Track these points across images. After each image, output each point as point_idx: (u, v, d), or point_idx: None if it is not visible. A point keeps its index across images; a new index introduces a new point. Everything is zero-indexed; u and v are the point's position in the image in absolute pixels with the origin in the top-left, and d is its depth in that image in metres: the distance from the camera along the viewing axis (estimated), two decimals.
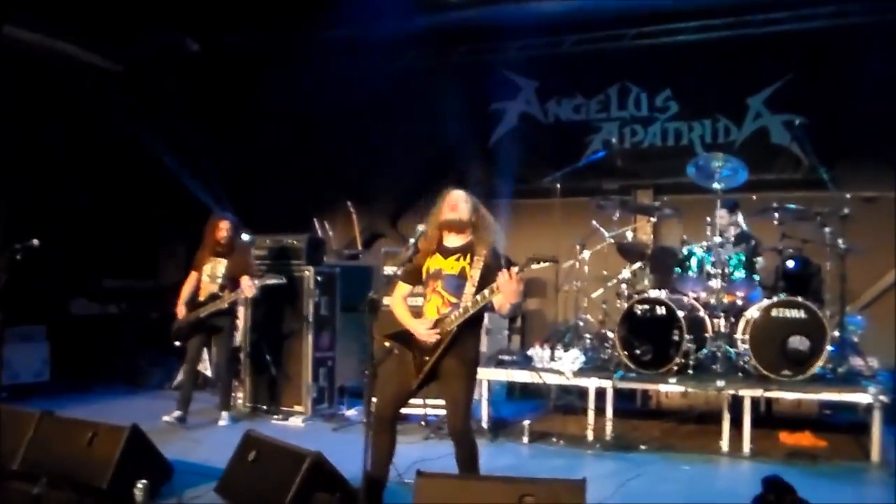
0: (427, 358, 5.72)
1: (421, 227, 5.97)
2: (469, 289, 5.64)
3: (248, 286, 8.78)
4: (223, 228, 9.16)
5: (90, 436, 6.19)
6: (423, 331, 5.71)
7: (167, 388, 11.31)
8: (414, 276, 5.99)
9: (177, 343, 8.93)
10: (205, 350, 11.20)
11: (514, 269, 5.37)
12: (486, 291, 5.55)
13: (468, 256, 5.75)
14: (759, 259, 9.08)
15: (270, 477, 5.49)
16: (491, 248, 5.79)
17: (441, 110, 12.39)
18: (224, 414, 9.29)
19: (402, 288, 6.05)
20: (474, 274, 5.68)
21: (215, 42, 12.78)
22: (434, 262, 5.85)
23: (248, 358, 10.13)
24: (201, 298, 8.99)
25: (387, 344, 5.95)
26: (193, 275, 9.26)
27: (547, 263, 5.54)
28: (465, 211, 5.83)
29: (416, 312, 5.94)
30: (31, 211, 10.49)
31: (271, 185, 13.58)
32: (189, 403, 9.06)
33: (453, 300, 5.69)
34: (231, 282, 8.92)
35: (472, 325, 5.74)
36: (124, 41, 12.19)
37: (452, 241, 5.89)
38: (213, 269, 9.09)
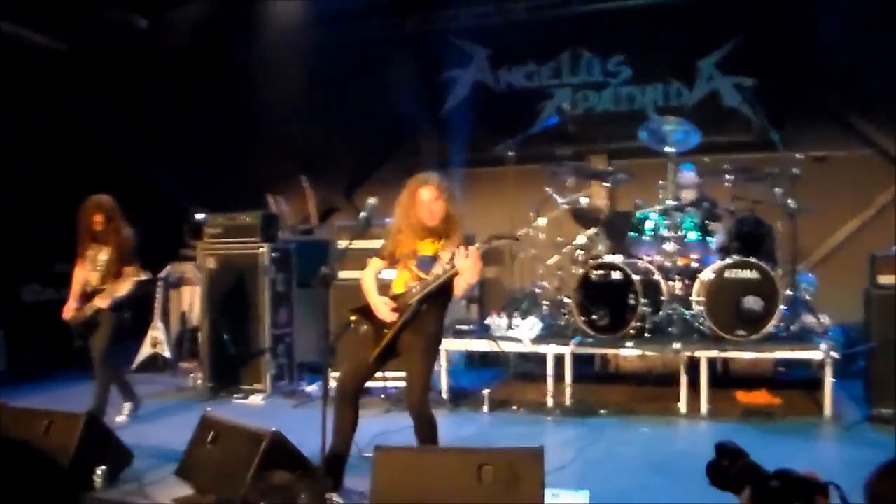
0: (385, 331, 5.76)
1: (372, 201, 5.98)
2: (438, 269, 5.70)
3: (123, 288, 7.81)
4: (95, 211, 8.04)
5: (46, 424, 6.13)
6: (382, 306, 5.76)
7: (125, 370, 11.22)
8: (388, 254, 6.01)
9: (79, 343, 8.00)
10: (162, 330, 11.20)
11: (475, 247, 5.46)
12: (446, 266, 5.61)
13: (443, 238, 5.81)
14: (717, 225, 9.14)
15: (230, 458, 5.47)
16: (464, 235, 5.87)
17: (393, 81, 12.37)
18: (126, 406, 8.53)
19: (376, 263, 6.08)
20: (444, 255, 5.74)
21: (163, 18, 12.63)
22: (410, 244, 5.88)
23: (206, 337, 10.05)
24: (88, 290, 8.02)
25: (352, 318, 5.95)
26: (79, 267, 8.18)
27: (506, 241, 5.85)
28: (441, 212, 5.80)
29: (386, 286, 5.99)
30: None
31: (224, 162, 13.48)
32: (131, 391, 8.54)
33: (422, 276, 5.75)
34: (115, 270, 7.93)
35: (435, 302, 5.78)
36: (71, 20, 12.00)
37: (430, 228, 5.89)
38: (95, 257, 8.08)
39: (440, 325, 5.97)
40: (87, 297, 7.94)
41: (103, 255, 7.97)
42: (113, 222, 8.01)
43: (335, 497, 5.39)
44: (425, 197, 5.79)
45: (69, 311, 7.98)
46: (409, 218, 5.87)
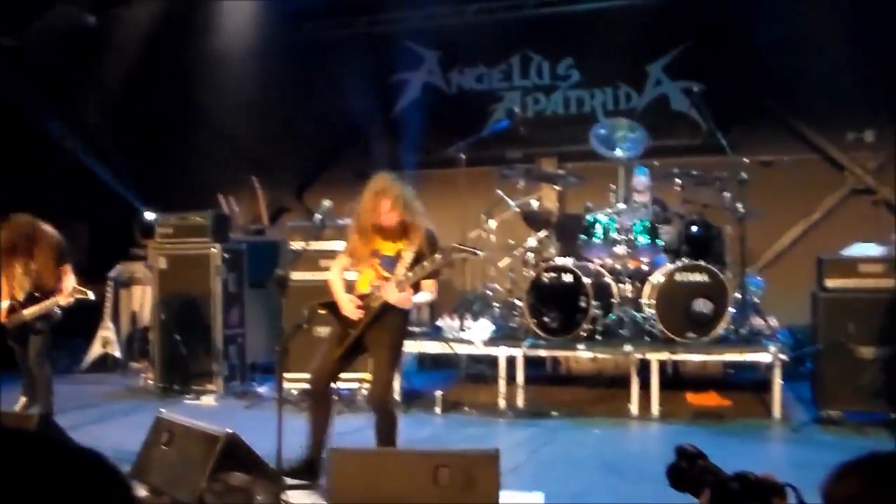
0: (351, 330, 5.94)
1: (327, 203, 6.18)
2: (400, 269, 5.86)
3: (64, 298, 7.54)
4: (7, 233, 7.69)
5: None
6: (348, 304, 5.96)
7: (76, 371, 11.13)
8: (355, 252, 6.13)
9: (12, 344, 7.79)
10: (112, 330, 11.10)
11: (402, 279, 5.78)
12: (374, 294, 5.89)
13: (405, 237, 5.95)
14: (668, 228, 9.24)
15: (185, 459, 5.45)
16: (426, 232, 5.97)
17: (343, 82, 12.34)
18: (22, 400, 8.13)
19: (342, 260, 6.26)
20: (406, 256, 5.89)
21: (113, 15, 12.49)
22: (371, 243, 6.01)
23: (157, 337, 9.97)
24: (19, 298, 7.71)
25: (321, 312, 6.16)
26: (4, 278, 7.85)
27: (467, 254, 6.01)
28: (396, 215, 5.90)
29: (351, 285, 6.15)
30: None
31: (174, 162, 13.36)
32: (50, 396, 7.94)
33: (386, 275, 5.90)
34: (39, 287, 7.67)
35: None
36: (19, 16, 11.83)
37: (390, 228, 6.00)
38: (20, 277, 7.75)
39: (404, 325, 6.16)
40: (24, 301, 7.72)
41: (33, 264, 7.73)
42: (33, 241, 7.75)
43: (290, 498, 5.40)
44: (384, 209, 5.88)
45: (3, 315, 7.76)
46: (365, 222, 5.99)
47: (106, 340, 11.13)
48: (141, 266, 11.44)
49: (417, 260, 5.87)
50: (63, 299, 7.55)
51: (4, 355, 7.95)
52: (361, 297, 6.00)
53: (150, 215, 10.40)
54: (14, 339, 7.79)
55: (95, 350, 11.17)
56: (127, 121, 12.98)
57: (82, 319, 11.28)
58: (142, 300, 11.54)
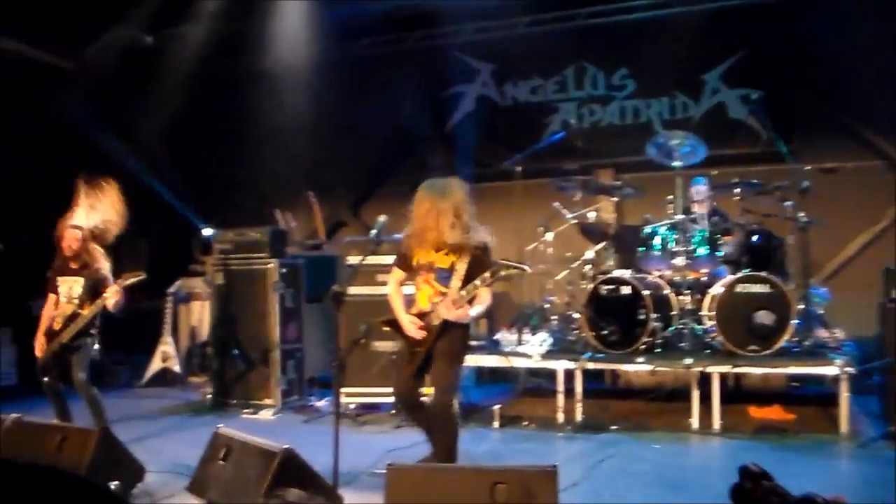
0: (418, 349, 6.04)
1: (382, 218, 6.23)
2: (455, 282, 5.91)
3: (113, 293, 7.37)
4: (69, 242, 7.73)
5: (60, 439, 6.11)
6: (410, 327, 6.05)
7: (135, 386, 11.25)
8: (406, 264, 6.22)
9: (45, 379, 7.60)
10: (172, 345, 11.21)
11: (457, 297, 5.85)
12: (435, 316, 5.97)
13: (458, 251, 5.97)
14: (729, 239, 9.08)
15: (242, 474, 5.44)
16: (480, 244, 6.01)
17: (398, 96, 12.39)
18: None
19: (398, 273, 6.33)
20: (460, 268, 5.94)
21: (169, 35, 12.64)
22: (425, 255, 6.08)
23: (215, 352, 10.04)
24: (56, 326, 7.63)
25: (385, 329, 6.25)
26: (51, 298, 7.85)
27: (515, 270, 5.95)
28: (451, 224, 5.94)
29: (410, 300, 6.26)
30: None
31: (233, 178, 13.47)
32: (103, 413, 7.69)
33: (443, 290, 5.96)
34: (91, 298, 7.59)
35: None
36: (76, 37, 12.02)
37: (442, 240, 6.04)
38: (70, 290, 7.73)
39: (465, 336, 6.18)
40: (54, 333, 7.65)
41: (78, 287, 7.70)
42: (87, 249, 7.75)
43: None
44: (426, 214, 6.01)
45: (39, 348, 7.71)
46: (419, 229, 6.08)
47: (165, 355, 11.25)
48: (200, 282, 11.55)
49: (471, 272, 5.90)
50: (112, 299, 7.40)
51: None
52: (421, 315, 6.07)
53: (208, 231, 10.47)
54: (51, 370, 7.62)
55: (155, 365, 11.30)
56: (184, 138, 13.12)
57: (143, 335, 11.45)
58: (200, 315, 11.63)
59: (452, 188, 6.13)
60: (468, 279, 5.90)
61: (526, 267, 6.15)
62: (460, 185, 6.21)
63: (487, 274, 5.79)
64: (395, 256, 6.44)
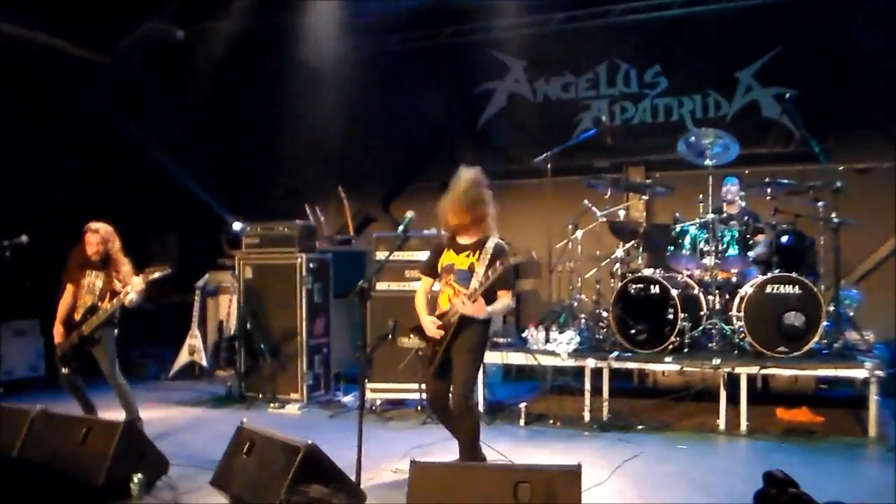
0: (437, 348, 6.15)
1: (410, 214, 6.28)
2: (474, 282, 6.06)
3: (137, 284, 7.40)
4: (91, 242, 7.76)
5: (84, 432, 6.16)
6: (430, 325, 6.20)
7: (163, 379, 11.31)
8: (432, 270, 6.39)
9: (64, 370, 7.66)
10: (199, 339, 11.26)
11: (466, 293, 6.01)
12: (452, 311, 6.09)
13: (477, 253, 6.13)
14: (760, 238, 9.00)
15: (265, 469, 5.45)
16: (496, 245, 6.14)
17: (430, 92, 12.38)
18: None
19: (426, 282, 6.49)
20: (479, 270, 6.07)
21: (201, 29, 12.69)
22: (447, 258, 6.26)
23: (242, 346, 10.06)
24: (77, 316, 7.72)
25: (411, 336, 6.48)
26: (70, 289, 7.92)
27: (523, 258, 6.28)
28: (462, 214, 6.14)
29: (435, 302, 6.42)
30: (16, 204, 10.40)
31: (262, 173, 13.52)
32: (133, 404, 7.82)
33: (463, 291, 6.08)
34: (112, 292, 7.64)
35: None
36: (108, 31, 12.09)
37: (464, 238, 6.25)
38: (92, 284, 7.80)
39: (484, 334, 6.26)
40: (74, 323, 7.72)
41: (99, 281, 7.76)
42: (110, 247, 7.79)
43: None
44: (449, 197, 6.23)
45: (58, 337, 7.79)
46: (444, 220, 6.26)
47: (193, 349, 11.28)
48: (228, 275, 11.57)
49: (487, 273, 6.04)
50: (136, 289, 7.42)
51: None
52: (441, 315, 6.20)
53: (237, 225, 10.51)
54: (70, 361, 7.68)
55: (182, 358, 11.34)
56: (215, 132, 13.16)
57: (170, 328, 11.50)
58: (228, 309, 11.65)
59: (482, 181, 6.29)
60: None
61: (532, 254, 6.29)
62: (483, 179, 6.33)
63: (498, 264, 5.92)
64: (422, 264, 6.61)
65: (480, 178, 6.27)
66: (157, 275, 7.43)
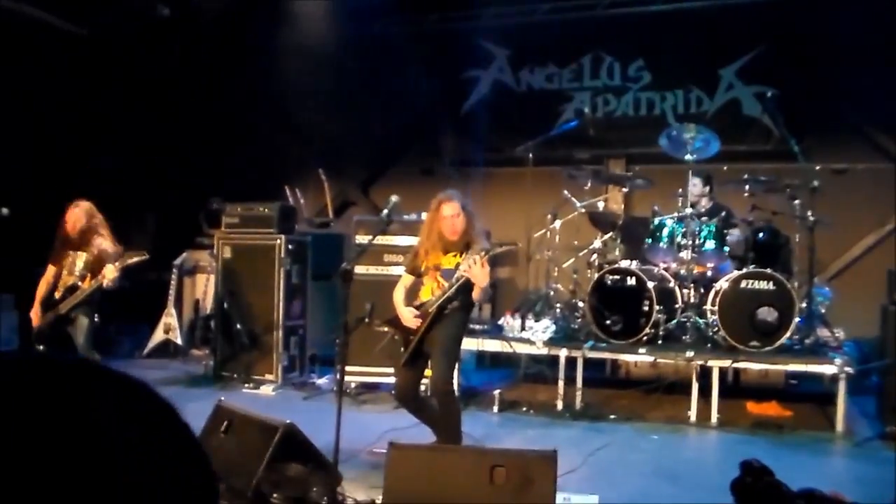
0: (412, 337, 6.31)
1: (394, 198, 6.44)
2: (466, 263, 6.17)
3: (111, 272, 7.33)
4: (69, 220, 7.72)
5: None
6: (407, 314, 6.37)
7: (137, 356, 11.29)
8: (417, 269, 6.56)
9: (40, 347, 7.66)
10: (175, 317, 11.25)
11: (482, 255, 6.07)
12: (458, 273, 6.17)
13: (463, 254, 6.30)
14: (735, 231, 9.10)
15: (243, 448, 5.48)
16: (484, 249, 6.26)
17: (413, 78, 12.36)
18: None
19: (406, 279, 6.64)
20: (463, 267, 6.20)
21: (186, 6, 12.63)
22: (434, 258, 6.43)
23: (219, 326, 10.08)
24: (57, 295, 7.69)
25: (385, 329, 6.53)
26: (51, 269, 7.89)
27: (506, 248, 6.59)
28: (462, 227, 6.36)
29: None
30: None
31: (242, 153, 13.48)
32: None
33: (446, 285, 6.26)
34: (92, 273, 7.58)
35: (459, 302, 6.33)
36: (93, 5, 12.00)
37: (452, 242, 6.42)
38: (72, 263, 7.77)
39: (462, 323, 6.49)
40: (53, 302, 7.68)
41: (80, 261, 7.73)
42: (90, 225, 7.74)
43: (346, 491, 5.42)
44: (447, 213, 6.34)
45: (35, 316, 7.77)
46: (432, 233, 6.42)
47: (168, 327, 11.28)
48: (206, 255, 11.55)
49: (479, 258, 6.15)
50: (109, 276, 7.34)
51: None
52: (419, 305, 6.37)
53: (216, 204, 10.51)
54: (47, 339, 7.65)
55: (158, 336, 11.33)
56: (197, 110, 13.11)
57: (147, 306, 11.47)
58: (205, 288, 11.64)
59: (462, 197, 6.50)
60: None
61: (517, 243, 6.95)
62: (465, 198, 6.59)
63: (483, 251, 6.11)
64: (406, 261, 6.90)
65: (462, 201, 6.45)
66: (133, 261, 7.44)
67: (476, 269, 6.05)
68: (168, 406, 1.22)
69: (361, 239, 8.88)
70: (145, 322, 11.60)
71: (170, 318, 11.33)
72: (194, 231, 12.29)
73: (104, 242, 7.71)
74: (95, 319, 7.71)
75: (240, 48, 13.00)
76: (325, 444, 5.47)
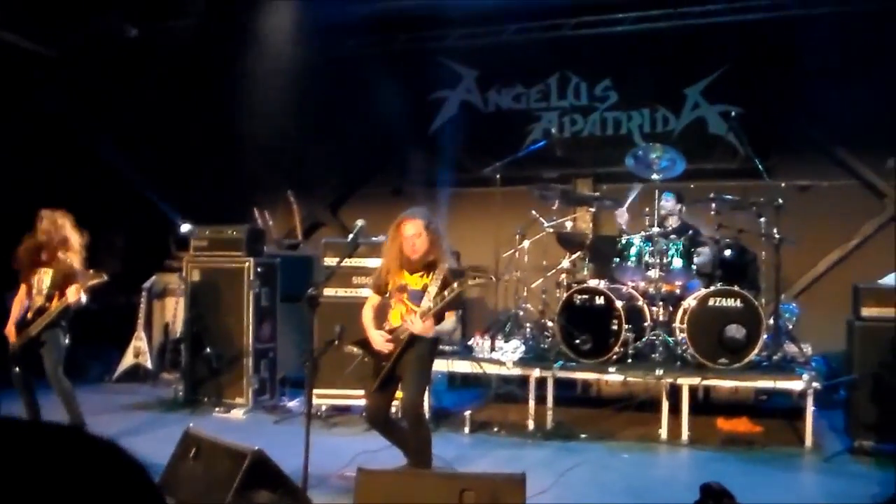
0: (384, 363, 6.31)
1: (360, 222, 6.45)
2: (427, 302, 6.20)
3: (74, 292, 7.33)
4: (39, 232, 7.65)
5: None
6: (379, 339, 6.36)
7: (107, 381, 11.21)
8: (382, 288, 6.55)
9: (15, 370, 7.56)
10: (144, 341, 11.18)
11: (425, 309, 6.15)
12: (403, 326, 6.29)
13: (430, 274, 6.30)
14: (703, 249, 9.17)
15: (212, 475, 5.46)
16: (449, 270, 6.35)
17: (381, 99, 12.36)
18: None
19: (373, 298, 6.63)
20: (432, 290, 6.22)
21: (154, 28, 12.59)
22: (398, 278, 6.40)
23: (189, 349, 10.02)
24: (30, 316, 7.61)
25: (354, 350, 6.50)
26: (23, 288, 7.79)
27: (481, 280, 6.41)
28: (423, 247, 6.31)
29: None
30: None
31: (211, 175, 13.44)
32: (77, 408, 7.75)
33: (415, 309, 6.24)
34: (59, 291, 7.52)
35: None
36: (59, 26, 11.95)
37: (416, 261, 6.38)
38: (40, 282, 7.68)
39: (434, 348, 6.54)
40: (26, 323, 7.62)
41: (47, 278, 7.65)
42: (51, 243, 7.66)
43: None
44: (408, 232, 6.30)
45: (11, 336, 7.68)
46: (394, 252, 6.37)
47: (138, 351, 11.21)
48: (175, 278, 11.49)
49: (441, 293, 6.18)
50: (71, 299, 7.36)
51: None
52: (391, 330, 6.37)
53: (185, 227, 10.47)
54: (20, 360, 7.59)
55: (127, 360, 11.25)
56: (165, 132, 13.07)
57: (116, 329, 11.39)
58: (175, 312, 11.58)
59: (432, 216, 6.53)
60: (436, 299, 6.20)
61: (493, 277, 6.46)
62: (433, 215, 6.62)
63: (455, 284, 6.08)
64: (371, 281, 6.92)
65: (430, 216, 6.49)
66: (94, 282, 7.44)
67: (417, 326, 6.14)
68: (136, 466, 1.24)
69: (330, 261, 8.86)
70: (115, 346, 11.52)
71: (139, 341, 11.27)
72: (163, 254, 12.24)
73: (71, 257, 7.65)
74: (66, 341, 7.67)
75: (208, 69, 12.98)
76: (296, 467, 5.47)
